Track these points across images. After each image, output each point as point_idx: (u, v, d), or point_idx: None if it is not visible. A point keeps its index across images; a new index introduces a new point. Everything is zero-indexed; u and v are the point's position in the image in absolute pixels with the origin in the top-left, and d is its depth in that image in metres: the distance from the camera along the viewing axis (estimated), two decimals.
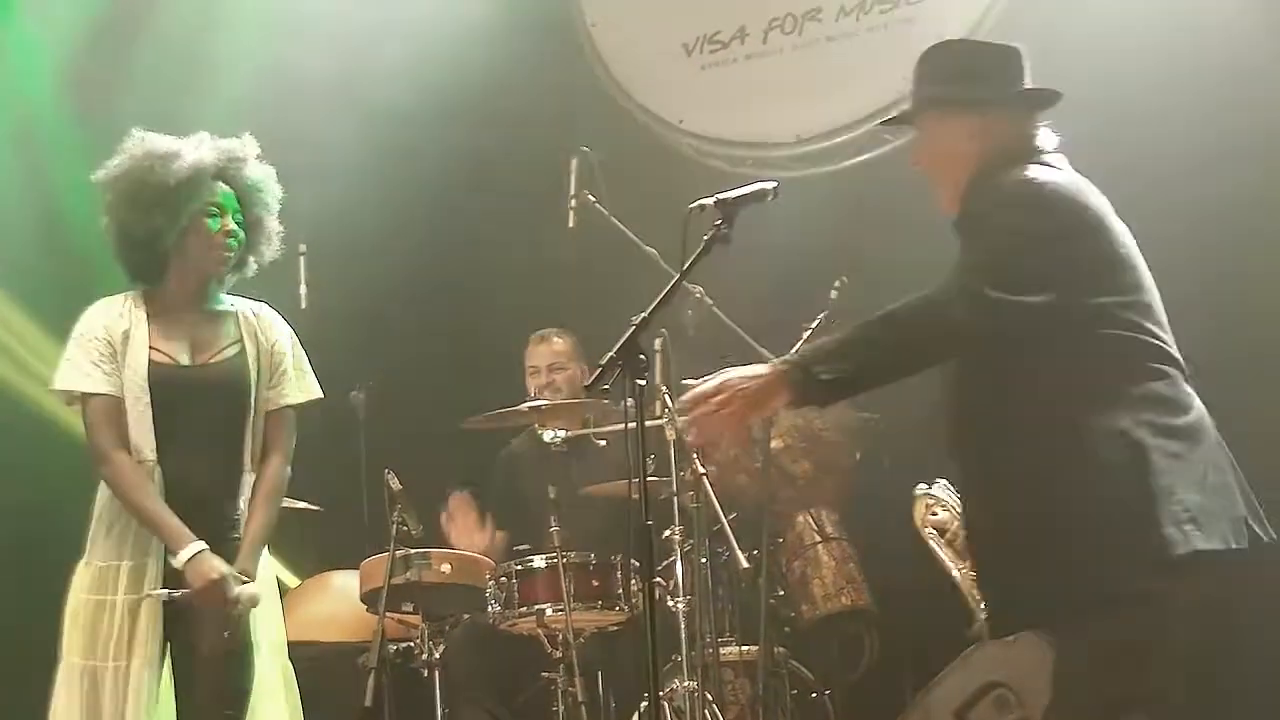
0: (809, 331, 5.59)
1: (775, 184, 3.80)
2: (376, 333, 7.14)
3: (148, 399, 4.24)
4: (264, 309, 4.54)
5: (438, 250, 7.33)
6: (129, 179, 4.35)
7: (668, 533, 5.38)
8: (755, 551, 5.38)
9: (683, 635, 5.27)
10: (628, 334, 3.59)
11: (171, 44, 7.39)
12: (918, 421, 6.26)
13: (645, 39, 7.45)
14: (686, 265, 3.70)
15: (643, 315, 3.63)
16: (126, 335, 4.31)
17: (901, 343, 3.45)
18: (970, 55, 3.88)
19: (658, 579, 5.35)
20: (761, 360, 5.39)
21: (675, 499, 5.36)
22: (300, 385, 4.48)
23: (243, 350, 4.39)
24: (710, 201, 3.78)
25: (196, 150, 4.39)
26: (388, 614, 5.54)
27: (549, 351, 6.29)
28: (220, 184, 4.39)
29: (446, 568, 5.61)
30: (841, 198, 6.57)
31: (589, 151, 5.82)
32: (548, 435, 5.74)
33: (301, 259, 6.35)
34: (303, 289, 6.36)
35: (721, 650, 5.43)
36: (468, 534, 6.06)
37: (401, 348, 7.16)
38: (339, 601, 6.17)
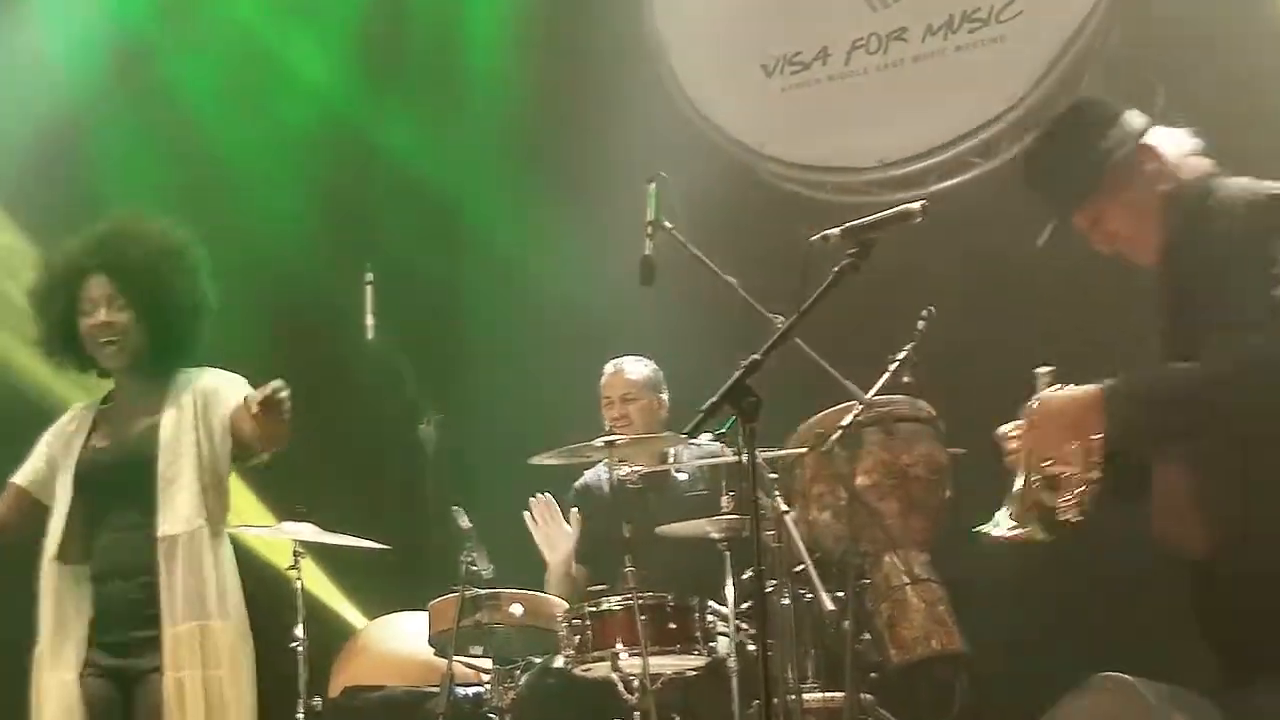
0: (895, 364, 5.55)
1: (923, 203, 3.61)
2: (447, 364, 7.15)
3: (69, 495, 4.52)
4: (199, 371, 4.72)
5: (510, 279, 7.35)
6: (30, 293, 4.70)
7: (749, 573, 5.33)
8: (840, 593, 5.33)
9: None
10: (737, 375, 3.43)
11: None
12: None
13: (723, 61, 7.46)
14: (809, 302, 3.53)
15: (754, 356, 3.46)
16: (71, 437, 4.64)
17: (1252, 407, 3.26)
18: (1091, 108, 3.72)
19: (739, 623, 5.32)
20: (844, 395, 5.43)
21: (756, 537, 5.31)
22: (235, 386, 4.64)
23: (157, 423, 4.55)
24: (836, 231, 3.60)
25: (64, 251, 4.64)
26: (456, 658, 5.54)
27: (622, 382, 6.25)
28: (98, 275, 4.57)
29: (517, 609, 5.58)
30: (927, 224, 6.53)
31: (666, 177, 5.80)
32: (621, 472, 5.70)
33: (368, 289, 6.37)
34: (370, 319, 6.37)
35: (805, 697, 5.33)
36: (557, 535, 6.07)
37: (473, 380, 7.17)
38: (406, 645, 6.17)
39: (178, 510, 4.45)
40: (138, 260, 4.58)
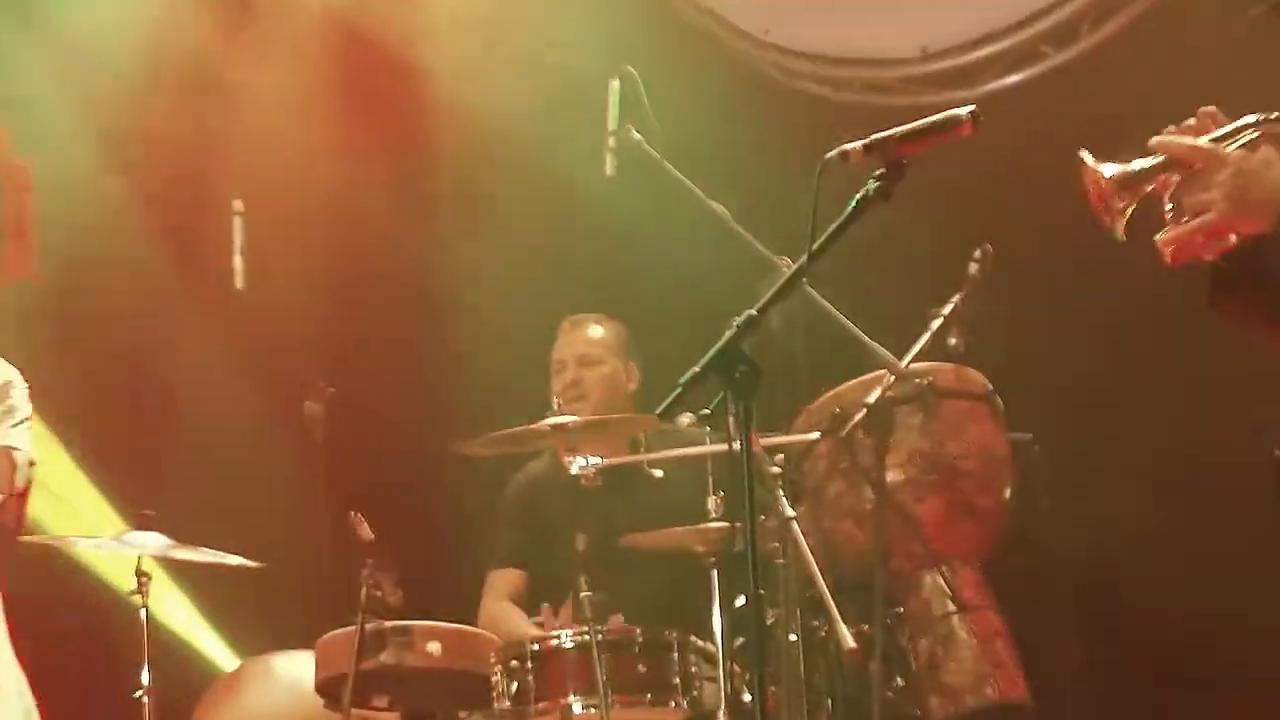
0: (938, 322, 5.54)
1: (972, 108, 3.54)
2: (340, 322, 7.14)
3: None
4: None
5: (421, 212, 7.33)
6: None
7: (743, 599, 5.34)
8: (865, 626, 5.38)
9: None
10: (728, 336, 3.40)
11: None
12: (1085, 445, 6.25)
13: None
14: (824, 239, 3.46)
15: (750, 312, 3.42)
16: None
17: None
18: None
19: (731, 664, 5.28)
20: (872, 363, 5.42)
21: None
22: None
23: None
24: (859, 145, 3.52)
25: None
26: (354, 710, 5.54)
27: (581, 339, 6.22)
28: None
29: (435, 647, 5.58)
30: (982, 135, 6.54)
31: (634, 72, 5.79)
32: (576, 465, 5.67)
33: (237, 220, 6.36)
34: (237, 261, 6.38)
35: None
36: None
37: (374, 342, 7.16)
38: (287, 693, 6.16)
39: None
40: None
